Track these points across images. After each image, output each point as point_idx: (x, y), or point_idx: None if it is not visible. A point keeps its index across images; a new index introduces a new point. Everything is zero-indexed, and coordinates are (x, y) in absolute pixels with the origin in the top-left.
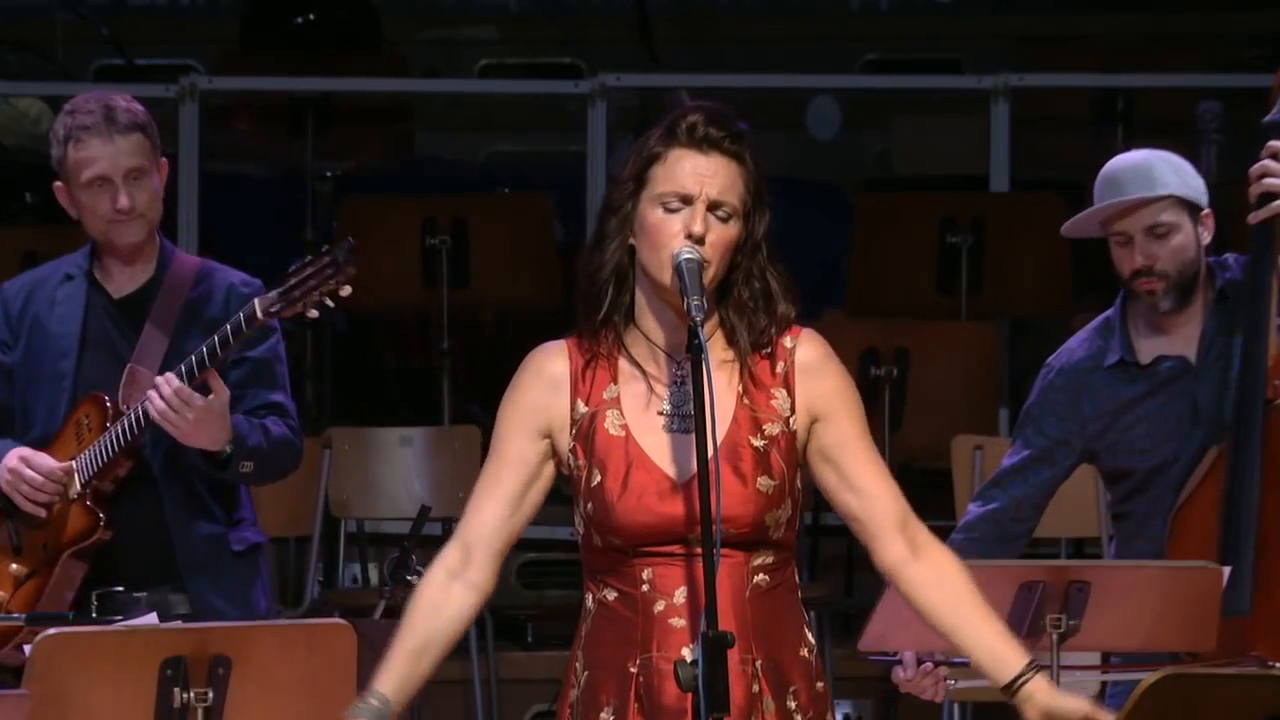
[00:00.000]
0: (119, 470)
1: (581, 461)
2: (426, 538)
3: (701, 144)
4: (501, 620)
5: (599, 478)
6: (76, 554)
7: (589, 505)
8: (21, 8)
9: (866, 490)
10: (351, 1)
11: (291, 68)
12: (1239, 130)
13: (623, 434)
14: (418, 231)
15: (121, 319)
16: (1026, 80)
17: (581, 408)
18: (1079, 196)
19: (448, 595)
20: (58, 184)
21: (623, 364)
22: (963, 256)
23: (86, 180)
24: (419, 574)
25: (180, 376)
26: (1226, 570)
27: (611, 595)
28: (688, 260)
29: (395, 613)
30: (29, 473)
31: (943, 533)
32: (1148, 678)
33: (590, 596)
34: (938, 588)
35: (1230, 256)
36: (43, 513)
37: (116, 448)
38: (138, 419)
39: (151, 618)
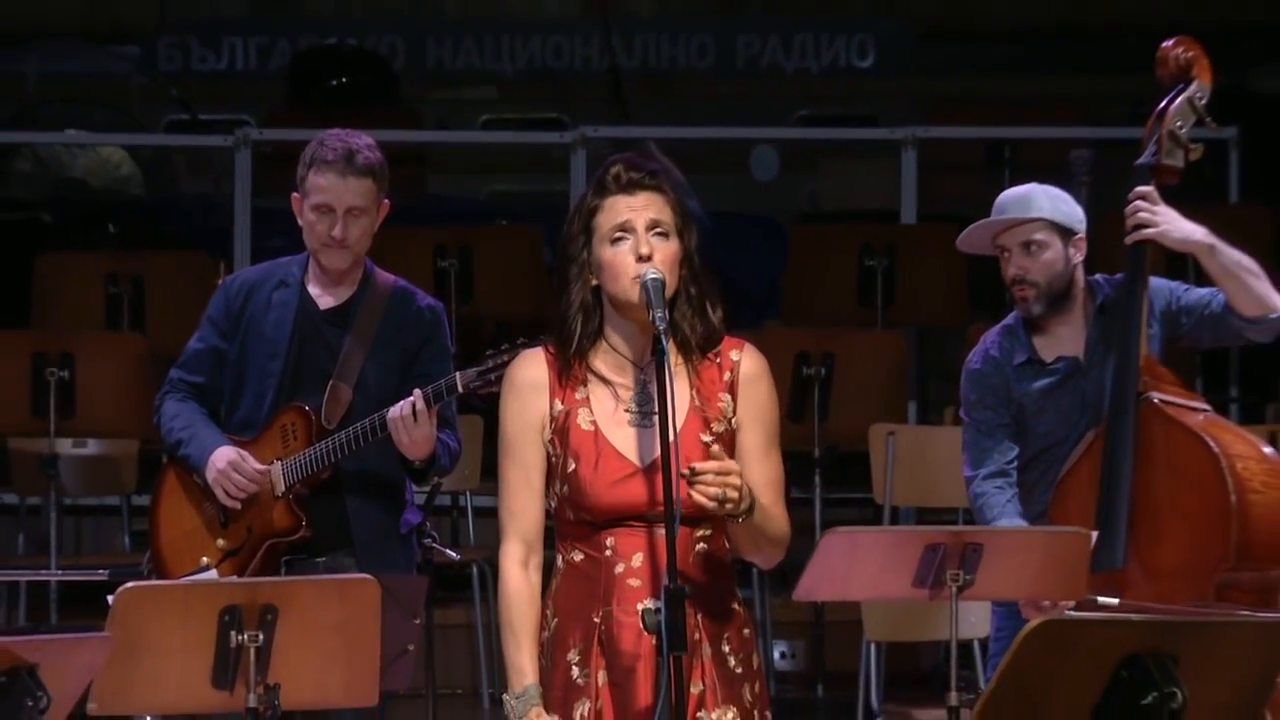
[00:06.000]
0: (322, 476)
1: (558, 451)
2: (438, 508)
3: (627, 187)
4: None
5: (573, 465)
6: (277, 544)
7: (564, 488)
8: (104, 72)
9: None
10: (376, 67)
11: (327, 121)
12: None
13: (592, 429)
14: (430, 256)
15: (326, 328)
16: (931, 132)
17: (558, 406)
18: None
19: (530, 584)
20: (295, 194)
21: (592, 372)
22: (878, 277)
23: (314, 204)
24: (433, 537)
25: (374, 426)
26: (1095, 534)
27: (579, 557)
28: (653, 280)
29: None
30: (237, 477)
31: (861, 504)
32: (1027, 625)
33: (560, 556)
34: None
35: (1100, 277)
36: (239, 505)
37: (327, 461)
38: (356, 437)
39: (213, 574)
